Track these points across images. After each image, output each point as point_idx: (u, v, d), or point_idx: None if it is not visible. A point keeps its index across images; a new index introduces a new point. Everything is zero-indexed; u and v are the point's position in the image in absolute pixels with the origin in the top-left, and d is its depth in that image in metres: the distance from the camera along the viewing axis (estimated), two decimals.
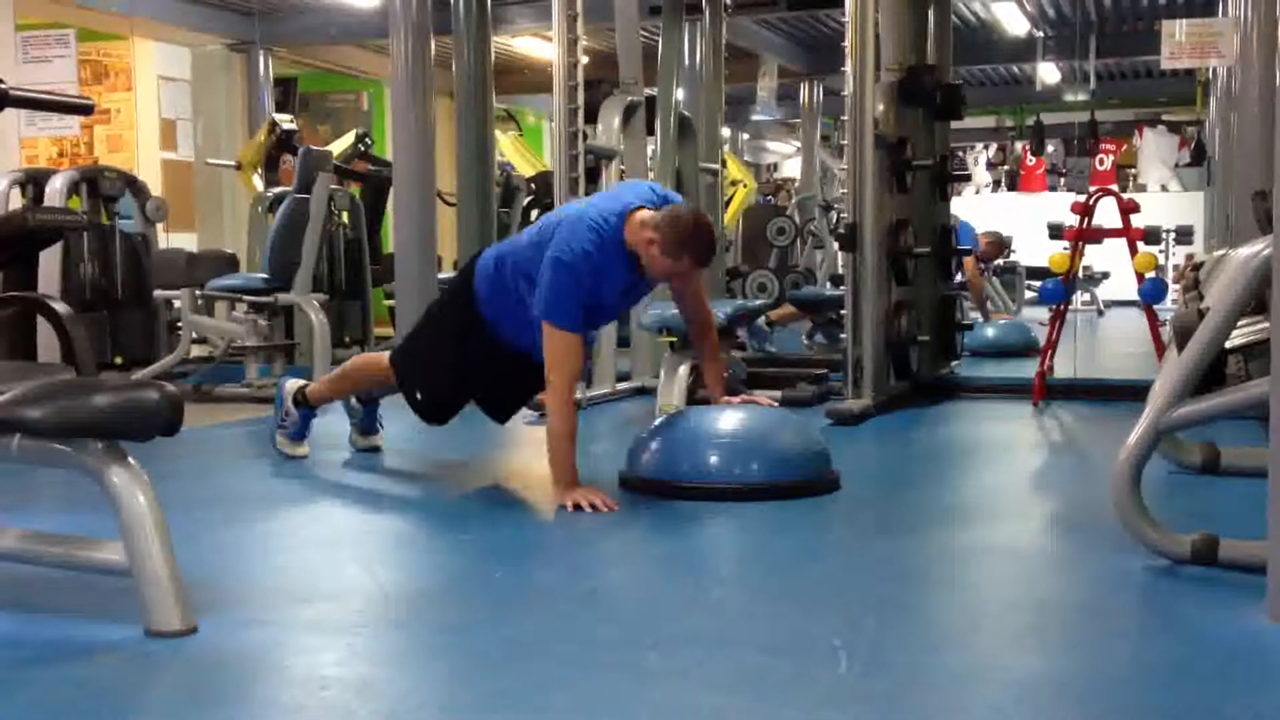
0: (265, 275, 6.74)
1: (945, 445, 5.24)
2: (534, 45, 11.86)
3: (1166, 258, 13.46)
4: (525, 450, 4.94)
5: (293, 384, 4.56)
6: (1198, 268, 4.23)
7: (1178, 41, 6.07)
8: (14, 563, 2.60)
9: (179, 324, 6.88)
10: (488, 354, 4.08)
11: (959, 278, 8.46)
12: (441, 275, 7.55)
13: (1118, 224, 6.04)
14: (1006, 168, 18.84)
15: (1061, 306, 6.13)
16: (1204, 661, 2.29)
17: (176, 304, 6.88)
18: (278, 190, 8.14)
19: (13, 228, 3.24)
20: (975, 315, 8.90)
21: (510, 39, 11.59)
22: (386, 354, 4.39)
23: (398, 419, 4.70)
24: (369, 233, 8.81)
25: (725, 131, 10.64)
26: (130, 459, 2.42)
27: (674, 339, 5.22)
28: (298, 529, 3.62)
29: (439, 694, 2.18)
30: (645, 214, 3.80)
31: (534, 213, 9.65)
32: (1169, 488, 3.91)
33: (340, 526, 3.67)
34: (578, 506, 3.58)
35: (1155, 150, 17.65)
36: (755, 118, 15.07)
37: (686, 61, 8.35)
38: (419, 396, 4.20)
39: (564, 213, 3.99)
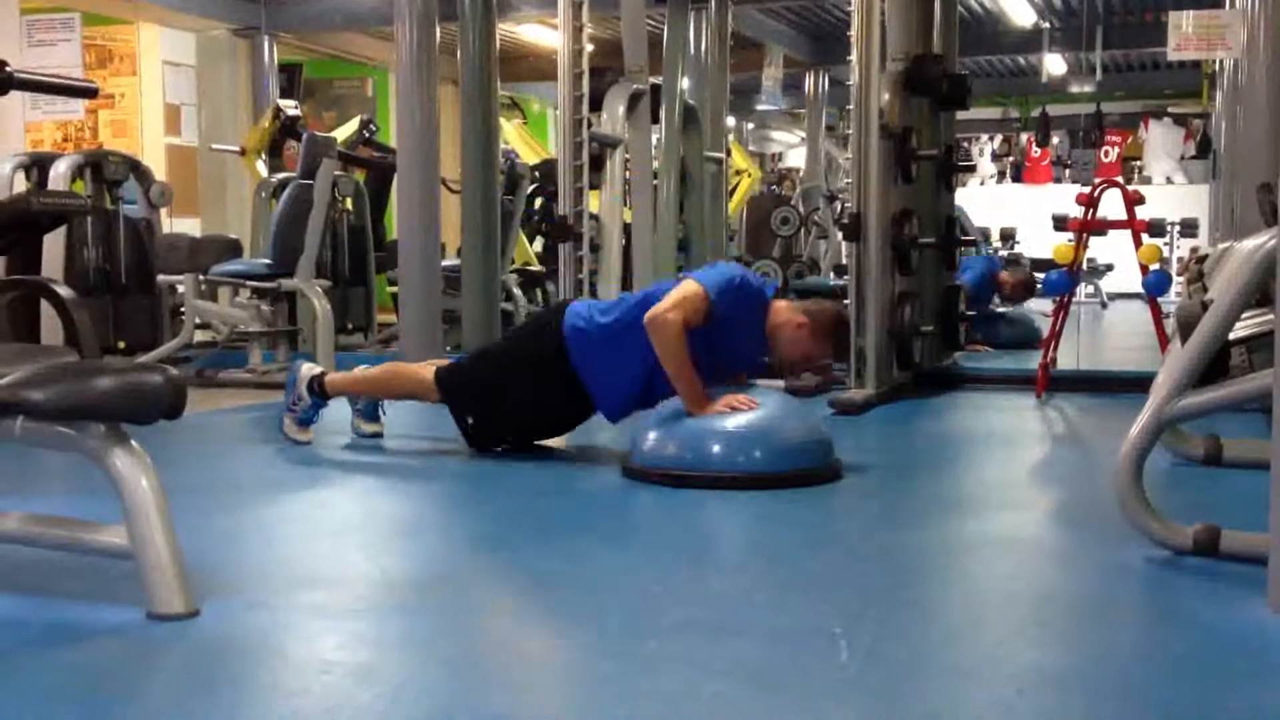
0: (269, 261, 6.74)
1: (948, 436, 5.24)
2: (539, 32, 11.85)
3: (1171, 250, 13.48)
4: None
5: (308, 369, 4.55)
6: (1202, 260, 4.23)
7: (1184, 33, 6.06)
8: (16, 545, 2.61)
9: (182, 309, 6.88)
10: (563, 402, 4.25)
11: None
12: (445, 262, 7.55)
13: (1122, 216, 6.03)
14: (1012, 159, 18.84)
15: (1065, 298, 6.13)
16: (1206, 653, 2.29)
17: (180, 289, 6.88)
18: (282, 176, 8.13)
19: (17, 212, 3.23)
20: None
21: (515, 26, 11.58)
22: (430, 370, 4.39)
23: (402, 407, 4.71)
24: (373, 219, 8.81)
25: (730, 120, 10.63)
26: (133, 442, 2.42)
27: None
28: (300, 514, 3.62)
29: (441, 680, 2.18)
30: (785, 303, 4.20)
31: (538, 200, 9.65)
32: (1171, 479, 3.91)
33: (343, 512, 3.67)
34: (729, 408, 3.82)
35: (1161, 142, 17.64)
36: (760, 107, 15.05)
37: (692, 50, 8.35)
38: (470, 421, 4.32)
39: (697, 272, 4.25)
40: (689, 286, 3.98)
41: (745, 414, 3.81)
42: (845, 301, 5.83)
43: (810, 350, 4.14)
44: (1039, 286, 8.15)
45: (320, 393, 4.49)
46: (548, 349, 4.19)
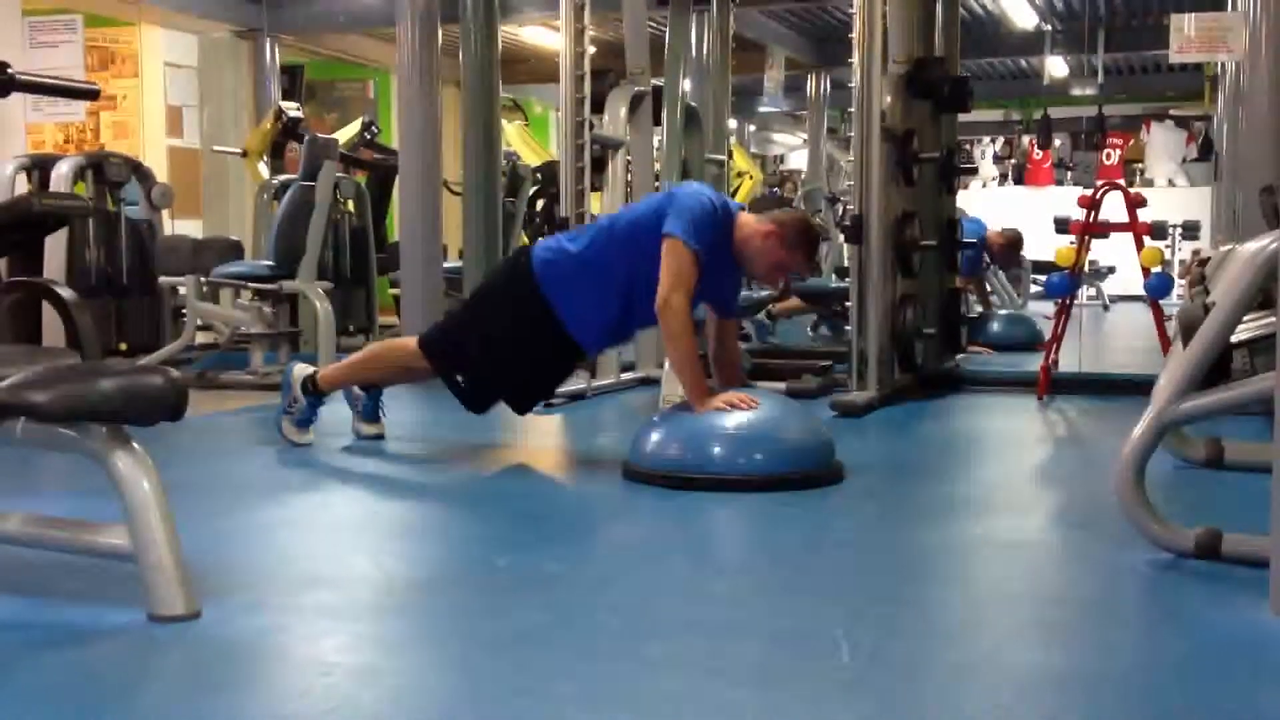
0: (270, 263, 6.74)
1: (949, 438, 5.24)
2: (541, 34, 11.85)
3: (1173, 252, 13.48)
4: (530, 438, 4.94)
5: (300, 369, 4.55)
6: (1204, 263, 4.22)
7: (1186, 35, 6.06)
8: (18, 546, 2.61)
9: (184, 311, 6.88)
10: (541, 339, 4.16)
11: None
12: (447, 264, 7.56)
13: (1124, 218, 6.03)
14: (1013, 161, 18.84)
15: (1067, 300, 6.13)
16: (1207, 656, 2.29)
17: (182, 291, 6.88)
18: (283, 178, 8.14)
19: (19, 213, 3.24)
20: (977, 307, 8.87)
21: (518, 28, 11.58)
22: (409, 339, 4.38)
23: (400, 407, 4.71)
24: (374, 221, 8.81)
25: (732, 123, 10.64)
26: (135, 444, 2.42)
27: None
28: (302, 516, 3.62)
29: (443, 681, 2.18)
30: (752, 215, 4.12)
31: (540, 202, 9.65)
32: (1173, 482, 3.90)
33: (344, 513, 3.68)
34: (729, 406, 3.78)
35: (1163, 145, 17.64)
36: (762, 109, 15.07)
37: (694, 52, 8.35)
38: (461, 381, 4.23)
39: (658, 194, 4.27)
40: (676, 251, 3.89)
41: (746, 415, 3.81)
42: (847, 303, 5.83)
43: (781, 258, 4.08)
44: (1039, 285, 8.23)
45: (315, 392, 4.49)
46: (521, 289, 4.15)
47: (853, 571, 2.96)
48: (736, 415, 3.82)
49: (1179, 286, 9.05)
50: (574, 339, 4.18)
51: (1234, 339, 2.92)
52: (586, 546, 3.21)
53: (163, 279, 6.97)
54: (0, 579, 2.73)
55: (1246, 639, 2.37)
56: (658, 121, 6.94)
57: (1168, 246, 13.20)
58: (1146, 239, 6.04)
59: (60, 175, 6.84)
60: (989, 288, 9.99)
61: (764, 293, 8.11)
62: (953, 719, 2.01)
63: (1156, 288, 5.95)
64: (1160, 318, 6.03)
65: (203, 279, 6.71)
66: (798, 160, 19.29)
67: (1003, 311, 9.25)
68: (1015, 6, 12.39)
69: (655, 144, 7.01)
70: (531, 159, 10.21)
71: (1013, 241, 9.56)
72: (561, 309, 4.11)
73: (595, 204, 6.21)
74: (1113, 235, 6.10)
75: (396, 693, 2.08)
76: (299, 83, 12.02)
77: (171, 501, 2.43)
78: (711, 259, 3.96)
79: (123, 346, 6.96)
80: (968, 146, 18.08)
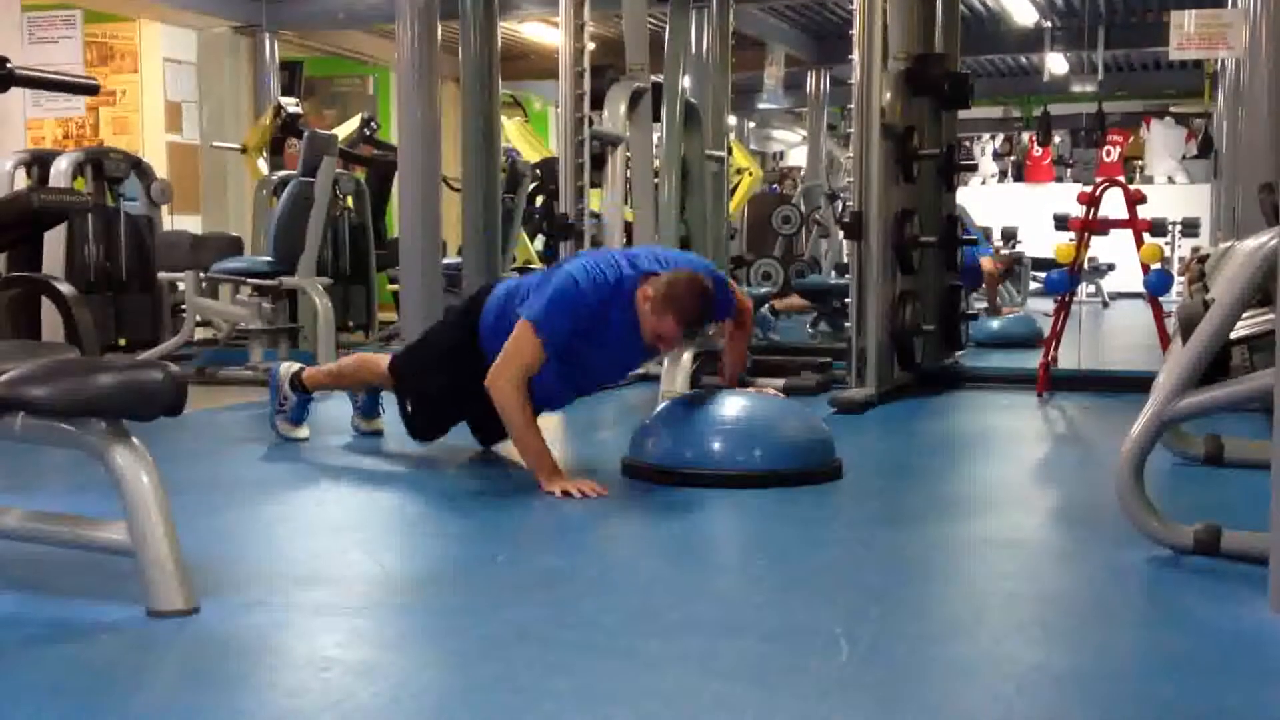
0: (270, 259, 6.74)
1: (948, 435, 5.24)
2: (541, 31, 11.85)
3: (1172, 249, 13.49)
4: None
5: (287, 368, 4.57)
6: (1203, 260, 4.22)
7: (1186, 33, 6.06)
8: (17, 542, 2.61)
9: (183, 306, 6.88)
10: (478, 383, 3.87)
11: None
12: (446, 260, 7.56)
13: (1124, 215, 6.03)
14: (1013, 158, 18.84)
15: (1066, 297, 6.13)
16: (1206, 653, 2.29)
17: (181, 286, 6.88)
18: (282, 174, 8.13)
19: (18, 209, 3.24)
20: (979, 305, 8.90)
21: (517, 24, 11.58)
22: (387, 357, 4.39)
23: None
24: (373, 217, 8.81)
25: (731, 119, 10.62)
26: (134, 439, 2.42)
27: None
28: (301, 512, 3.62)
29: (441, 677, 2.18)
30: (656, 277, 3.73)
31: (539, 199, 9.64)
32: (1172, 479, 3.91)
33: (343, 510, 3.67)
34: (566, 494, 3.56)
35: (1162, 142, 17.64)
36: (762, 106, 15.06)
37: (693, 48, 8.33)
38: (408, 408, 4.22)
39: (593, 252, 4.03)
40: (519, 332, 3.71)
41: (747, 412, 3.81)
42: (847, 300, 5.83)
43: (654, 327, 3.70)
44: (1039, 282, 8.34)
45: (303, 388, 4.51)
46: (462, 335, 4.08)
47: (851, 569, 2.96)
48: (735, 410, 3.82)
49: (1178, 283, 9.05)
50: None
51: (1233, 336, 2.92)
52: (585, 543, 3.21)
53: (162, 275, 6.97)
54: (0, 574, 2.73)
55: (1246, 636, 2.37)
56: (657, 118, 6.93)
57: (1167, 243, 13.19)
58: (1146, 236, 6.04)
59: (59, 171, 6.84)
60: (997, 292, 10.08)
61: (761, 290, 8.12)
62: (952, 716, 2.01)
63: (1156, 285, 5.95)
64: (1160, 315, 6.03)
65: (202, 275, 6.71)
66: (797, 157, 19.28)
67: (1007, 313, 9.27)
68: (1015, 3, 12.38)
69: (655, 140, 7.00)
70: (531, 155, 10.21)
71: (1006, 267, 10.18)
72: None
73: (594, 201, 6.21)
74: (1112, 232, 6.10)
75: (394, 689, 2.08)
76: (298, 79, 12.02)
77: (170, 497, 2.43)
78: (599, 335, 3.80)
79: (122, 342, 6.95)
80: (968, 143, 18.08)
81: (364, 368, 4.49)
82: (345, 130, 9.71)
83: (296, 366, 4.58)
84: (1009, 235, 14.83)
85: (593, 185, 6.06)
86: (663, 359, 5.14)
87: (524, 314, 3.75)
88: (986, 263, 9.91)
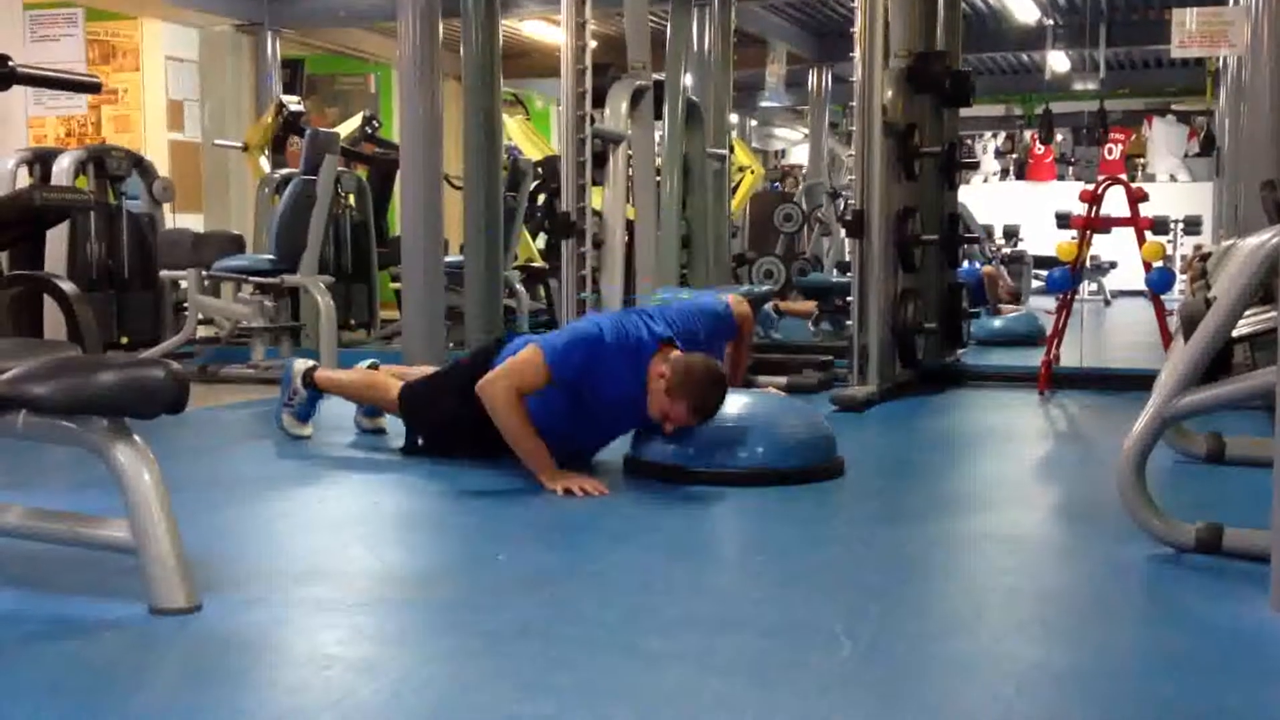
0: (271, 257, 6.74)
1: (950, 433, 5.24)
2: (542, 29, 11.84)
3: (1174, 247, 13.48)
4: None
5: (301, 364, 4.58)
6: (1205, 257, 4.22)
7: (1188, 30, 6.06)
8: (19, 539, 2.61)
9: (185, 304, 6.88)
10: (486, 425, 3.86)
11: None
12: (448, 258, 7.55)
13: (1126, 213, 6.03)
14: (1015, 156, 18.82)
15: (1068, 295, 6.13)
16: (1207, 651, 2.29)
17: (183, 284, 6.88)
18: (284, 172, 8.13)
19: (20, 207, 3.24)
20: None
21: (519, 22, 11.57)
22: (399, 384, 4.37)
23: None
24: (375, 215, 8.81)
25: (733, 117, 10.63)
26: (135, 437, 2.42)
27: None
28: (302, 509, 3.63)
29: (442, 674, 2.18)
30: (673, 351, 3.74)
31: (541, 197, 9.63)
32: (1174, 477, 3.91)
33: (344, 507, 3.68)
34: (568, 492, 3.58)
35: (1164, 140, 17.62)
36: (763, 104, 15.05)
37: (695, 46, 8.34)
38: (420, 443, 4.28)
39: (621, 311, 4.11)
40: (526, 352, 3.76)
41: (749, 409, 3.81)
42: (849, 298, 5.83)
43: (665, 407, 3.67)
44: (1040, 280, 8.36)
45: (315, 385, 4.52)
46: (479, 373, 3.92)
47: (852, 566, 2.96)
48: (737, 408, 3.82)
49: (1180, 281, 9.05)
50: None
51: (1235, 334, 2.92)
52: (586, 541, 3.21)
53: (164, 273, 6.97)
54: (1, 572, 2.73)
55: (1247, 634, 2.37)
56: (659, 116, 6.93)
57: (1169, 241, 13.18)
58: (1148, 234, 6.04)
59: (61, 169, 6.84)
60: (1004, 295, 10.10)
61: (763, 288, 8.11)
62: (952, 714, 2.01)
63: (1158, 283, 5.95)
64: (1161, 313, 6.03)
65: (204, 273, 6.71)
66: (799, 155, 19.26)
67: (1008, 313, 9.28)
68: (1017, 1, 12.37)
69: (656, 138, 7.00)
70: (533, 153, 10.20)
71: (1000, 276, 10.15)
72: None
73: (596, 199, 6.20)
74: (1114, 230, 6.10)
75: (395, 685, 2.08)
76: (300, 77, 12.01)
77: (172, 494, 2.43)
78: (607, 388, 3.77)
79: (124, 340, 6.96)
80: (969, 141, 18.04)
81: (374, 389, 4.48)
82: (347, 128, 9.71)
83: (311, 364, 4.60)
84: (1011, 233, 14.82)
85: (594, 183, 6.05)
86: None
87: (537, 341, 3.78)
88: (987, 269, 9.95)
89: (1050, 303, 6.61)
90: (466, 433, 4.05)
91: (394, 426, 4.68)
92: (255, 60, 11.06)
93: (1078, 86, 14.88)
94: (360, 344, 7.94)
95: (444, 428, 4.21)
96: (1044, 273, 9.47)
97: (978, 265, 10.26)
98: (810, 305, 8.76)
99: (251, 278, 6.68)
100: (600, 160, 6.12)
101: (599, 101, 6.10)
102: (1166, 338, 5.81)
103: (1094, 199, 6.03)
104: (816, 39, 13.46)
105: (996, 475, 4.39)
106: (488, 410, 3.74)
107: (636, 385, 3.75)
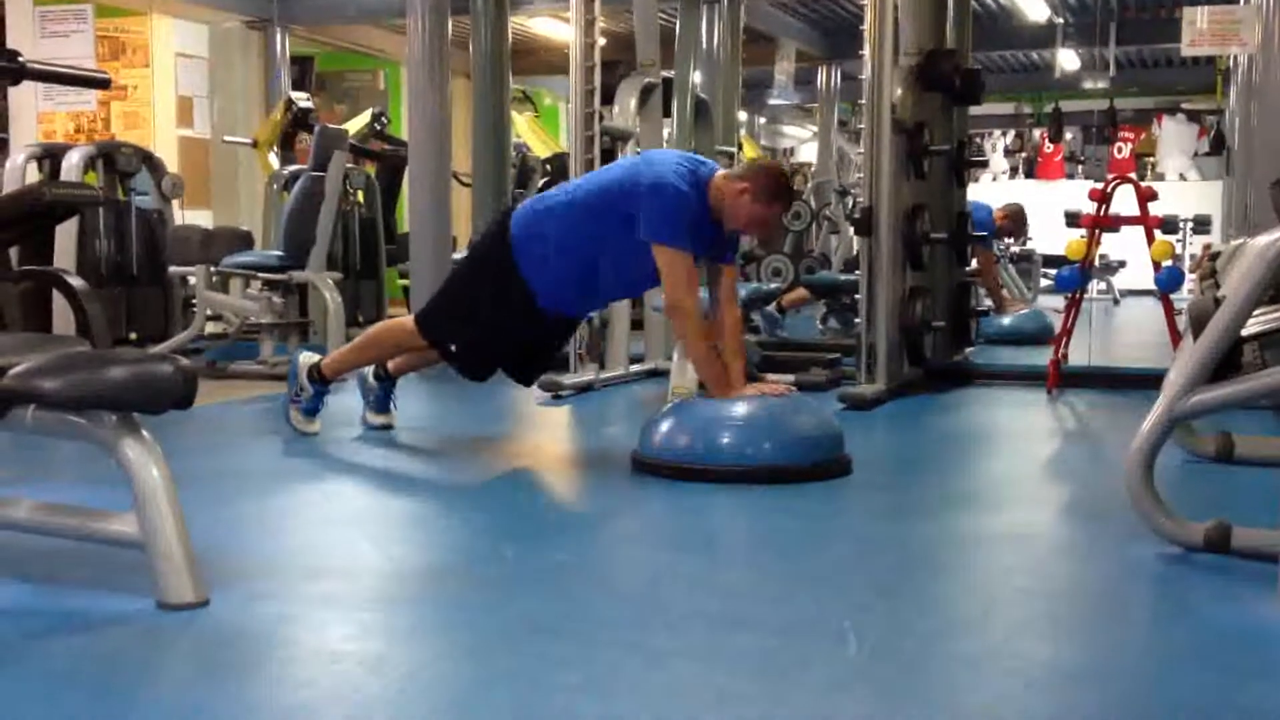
0: (280, 253, 6.74)
1: (958, 431, 5.23)
2: (551, 26, 11.85)
3: (1184, 247, 13.43)
4: (538, 431, 4.95)
5: (306, 358, 4.56)
6: (1215, 257, 4.21)
7: (1199, 29, 6.04)
8: (28, 533, 2.62)
9: (194, 301, 6.89)
10: (522, 310, 4.11)
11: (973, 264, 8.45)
12: (456, 255, 7.55)
13: (1135, 212, 6.01)
14: (1024, 154, 18.78)
15: (1077, 294, 6.11)
16: (1216, 650, 2.29)
17: (191, 280, 6.89)
18: (293, 168, 8.14)
19: (29, 202, 3.25)
20: (987, 302, 8.87)
21: (527, 20, 11.58)
22: (409, 317, 4.38)
23: (412, 398, 4.71)
24: (384, 212, 8.81)
25: (742, 115, 10.62)
26: (144, 432, 2.43)
27: None
28: (310, 505, 3.63)
29: (450, 670, 2.18)
30: (723, 171, 4.01)
31: None
32: (1183, 476, 3.89)
33: (352, 503, 3.68)
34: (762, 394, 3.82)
35: (1174, 139, 17.56)
36: (772, 101, 15.05)
37: (704, 44, 8.34)
38: (454, 349, 4.26)
39: (630, 162, 4.19)
40: (669, 257, 3.88)
41: (753, 406, 3.81)
42: (857, 296, 5.82)
43: (757, 213, 3.97)
44: (1049, 279, 8.27)
45: (321, 380, 4.49)
46: (501, 264, 4.12)
47: (860, 564, 2.96)
48: (744, 406, 3.82)
49: (1189, 280, 9.02)
50: (551, 311, 4.18)
51: (1245, 333, 2.91)
52: (594, 537, 3.21)
53: (173, 269, 6.98)
54: (9, 566, 2.73)
55: (1256, 633, 2.36)
56: (667, 113, 6.93)
57: (1179, 241, 13.13)
58: (1157, 233, 6.01)
59: (71, 165, 6.85)
60: (1001, 282, 9.97)
61: (771, 286, 8.10)
62: (960, 711, 2.01)
63: (1167, 282, 5.92)
64: (1171, 312, 6.01)
65: (212, 269, 6.72)
66: (808, 153, 19.25)
67: (1016, 309, 9.22)
68: None
69: (665, 136, 7.00)
70: (541, 150, 10.21)
71: (1014, 216, 9.78)
72: (536, 284, 4.10)
73: None
74: (1123, 229, 6.08)
75: (404, 681, 2.08)
76: (309, 73, 12.04)
77: (180, 490, 2.44)
78: (701, 223, 3.96)
79: (133, 336, 6.97)
80: (978, 139, 18.01)
81: (386, 334, 4.49)
82: (356, 125, 9.70)
83: (316, 358, 4.57)
84: (1024, 219, 14.75)
85: None
86: (673, 355, 5.14)
87: (657, 238, 3.89)
88: (983, 255, 9.75)
89: (1059, 301, 6.59)
90: (505, 336, 4.21)
91: (403, 421, 4.69)
92: (265, 57, 11.09)
93: (1087, 85, 14.85)
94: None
95: (479, 341, 4.25)
96: (1053, 271, 9.44)
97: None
98: (803, 293, 8.73)
99: (260, 274, 6.69)
100: (609, 157, 6.12)
101: (608, 98, 6.10)
102: (1175, 337, 5.79)
103: (1103, 198, 6.01)
104: (825, 36, 13.45)
105: (1005, 474, 4.39)
106: (678, 334, 4.04)
107: (707, 220, 3.96)
